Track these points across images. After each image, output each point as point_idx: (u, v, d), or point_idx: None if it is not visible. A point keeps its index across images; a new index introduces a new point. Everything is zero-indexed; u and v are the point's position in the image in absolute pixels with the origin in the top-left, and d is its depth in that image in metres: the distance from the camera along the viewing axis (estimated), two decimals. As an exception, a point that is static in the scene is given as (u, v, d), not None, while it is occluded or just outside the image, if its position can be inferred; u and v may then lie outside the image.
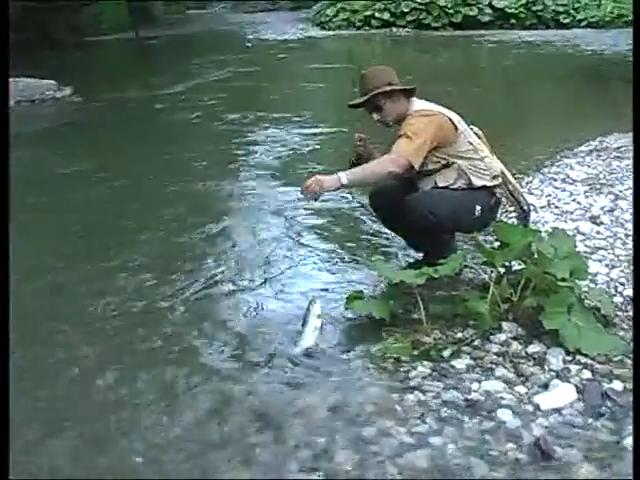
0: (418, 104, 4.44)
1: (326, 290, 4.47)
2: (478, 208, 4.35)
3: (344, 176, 4.08)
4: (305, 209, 6.18)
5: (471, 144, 4.37)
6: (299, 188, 4.22)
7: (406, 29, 29.04)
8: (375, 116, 4.51)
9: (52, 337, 4.07)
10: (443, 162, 4.32)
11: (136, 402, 3.32)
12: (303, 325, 3.85)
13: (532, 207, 5.14)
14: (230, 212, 6.54)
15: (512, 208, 4.74)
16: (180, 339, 3.96)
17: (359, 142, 4.60)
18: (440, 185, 4.34)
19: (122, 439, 3.02)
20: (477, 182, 4.34)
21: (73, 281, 4.94)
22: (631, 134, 8.60)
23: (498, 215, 4.71)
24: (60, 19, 23.79)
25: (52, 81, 13.51)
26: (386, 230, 5.16)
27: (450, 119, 4.33)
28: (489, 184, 4.39)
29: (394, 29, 29.13)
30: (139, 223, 6.22)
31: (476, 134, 4.52)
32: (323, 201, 4.63)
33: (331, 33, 28.86)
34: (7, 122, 3.72)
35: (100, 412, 3.25)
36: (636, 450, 2.57)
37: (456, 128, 4.33)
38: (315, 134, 9.79)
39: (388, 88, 4.39)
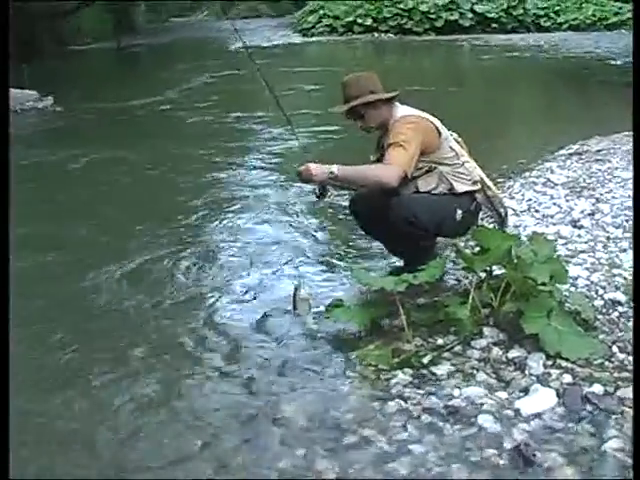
0: (401, 110, 4.43)
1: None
2: (459, 212, 4.36)
3: (336, 168, 4.11)
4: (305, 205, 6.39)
5: (453, 149, 4.38)
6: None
7: (389, 34, 29.19)
8: (357, 123, 4.52)
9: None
10: (426, 168, 4.32)
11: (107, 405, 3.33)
12: (294, 308, 4.21)
13: (513, 211, 5.16)
14: (232, 206, 6.78)
15: (490, 213, 4.73)
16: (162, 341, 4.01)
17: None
18: (422, 190, 4.34)
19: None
20: (459, 187, 4.35)
21: (77, 267, 5.21)
22: (612, 137, 8.69)
23: (479, 220, 4.71)
24: (41, 28, 23.72)
25: (33, 91, 13.43)
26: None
27: (434, 124, 4.34)
28: (470, 189, 4.40)
29: (376, 34, 29.26)
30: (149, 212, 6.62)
31: (455, 140, 4.53)
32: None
33: (314, 39, 28.96)
34: (7, 122, 3.73)
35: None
36: (636, 450, 2.57)
37: (439, 133, 4.34)
38: (312, 132, 9.86)
39: (370, 98, 4.38)
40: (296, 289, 4.24)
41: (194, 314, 4.33)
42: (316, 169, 4.13)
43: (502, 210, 4.64)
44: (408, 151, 4.13)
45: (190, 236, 5.89)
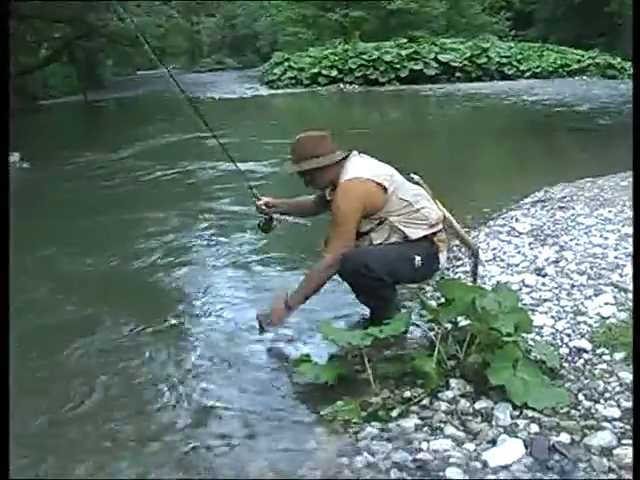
0: (351, 169, 4.42)
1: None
2: (418, 259, 4.37)
3: (290, 302, 4.44)
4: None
5: (403, 200, 4.37)
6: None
7: (354, 85, 29.56)
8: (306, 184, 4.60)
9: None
10: (376, 221, 4.37)
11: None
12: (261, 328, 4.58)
13: (480, 261, 5.18)
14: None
15: (459, 244, 4.73)
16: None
17: (264, 207, 4.88)
18: (375, 243, 4.39)
19: None
20: (413, 234, 4.37)
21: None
22: (576, 183, 8.83)
23: (440, 262, 4.65)
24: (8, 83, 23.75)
25: (-1, 147, 13.36)
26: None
27: (379, 184, 4.33)
28: (427, 233, 4.42)
29: (342, 85, 29.63)
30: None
31: (416, 183, 4.56)
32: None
33: (279, 91, 29.29)
34: (7, 122, 3.75)
35: None
36: (636, 449, 2.58)
37: (385, 190, 4.34)
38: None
39: (309, 165, 4.44)
40: (258, 314, 4.64)
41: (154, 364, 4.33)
42: (277, 317, 4.47)
43: (472, 243, 4.67)
44: (344, 231, 4.32)
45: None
